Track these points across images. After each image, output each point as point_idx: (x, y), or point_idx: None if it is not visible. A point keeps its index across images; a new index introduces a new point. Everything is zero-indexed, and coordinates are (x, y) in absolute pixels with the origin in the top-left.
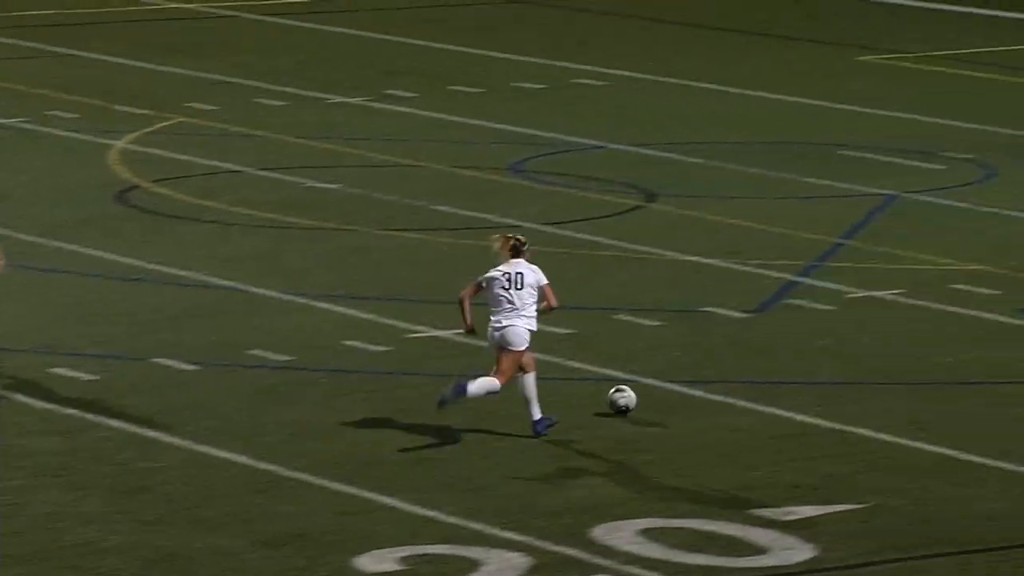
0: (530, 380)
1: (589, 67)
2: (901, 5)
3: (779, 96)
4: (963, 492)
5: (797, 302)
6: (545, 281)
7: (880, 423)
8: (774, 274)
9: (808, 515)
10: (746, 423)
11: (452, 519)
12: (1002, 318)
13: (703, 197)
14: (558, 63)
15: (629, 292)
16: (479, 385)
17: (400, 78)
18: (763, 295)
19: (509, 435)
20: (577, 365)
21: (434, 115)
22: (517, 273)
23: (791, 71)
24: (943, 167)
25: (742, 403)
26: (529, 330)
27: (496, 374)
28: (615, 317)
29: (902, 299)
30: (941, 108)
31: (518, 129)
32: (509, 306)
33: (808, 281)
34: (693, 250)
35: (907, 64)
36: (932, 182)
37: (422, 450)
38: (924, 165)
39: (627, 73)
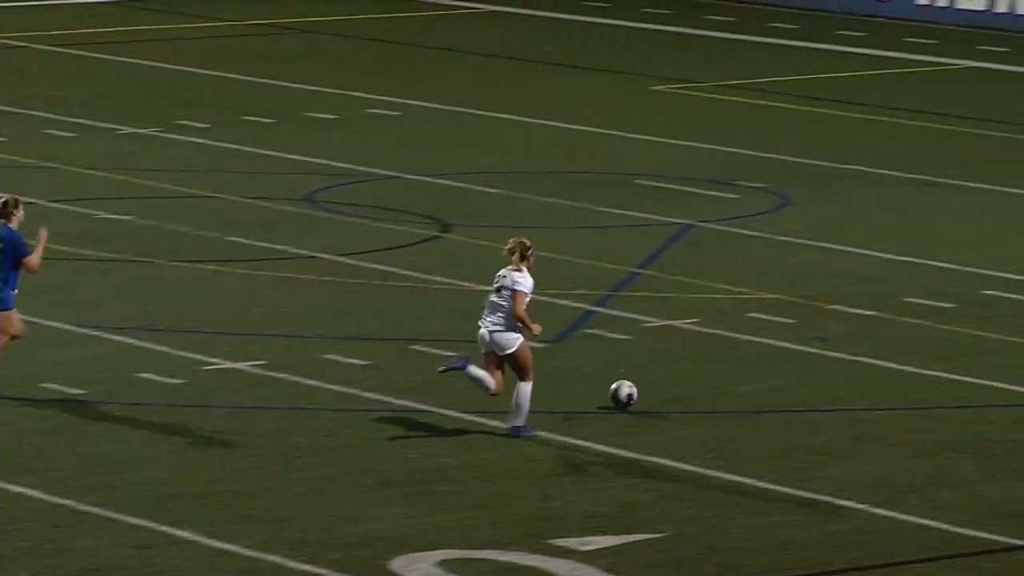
0: (498, 379)
1: (383, 97)
2: (695, 35)
3: (574, 126)
4: (761, 520)
5: (594, 332)
6: (519, 288)
7: (678, 452)
8: (571, 304)
9: (606, 545)
10: (544, 453)
11: (249, 552)
12: (798, 346)
13: (498, 227)
14: (352, 93)
15: (425, 323)
16: (480, 373)
17: (192, 108)
18: (560, 325)
19: (308, 466)
20: (374, 396)
21: (227, 145)
22: (503, 278)
23: (586, 101)
24: (738, 196)
25: (541, 433)
26: (513, 334)
27: (496, 378)
28: (411, 348)
29: (698, 328)
30: (735, 137)
31: (312, 159)
32: (495, 311)
33: (605, 311)
34: (489, 280)
35: (701, 94)
36: (727, 211)
37: (219, 482)
38: (719, 194)
39: (421, 103)
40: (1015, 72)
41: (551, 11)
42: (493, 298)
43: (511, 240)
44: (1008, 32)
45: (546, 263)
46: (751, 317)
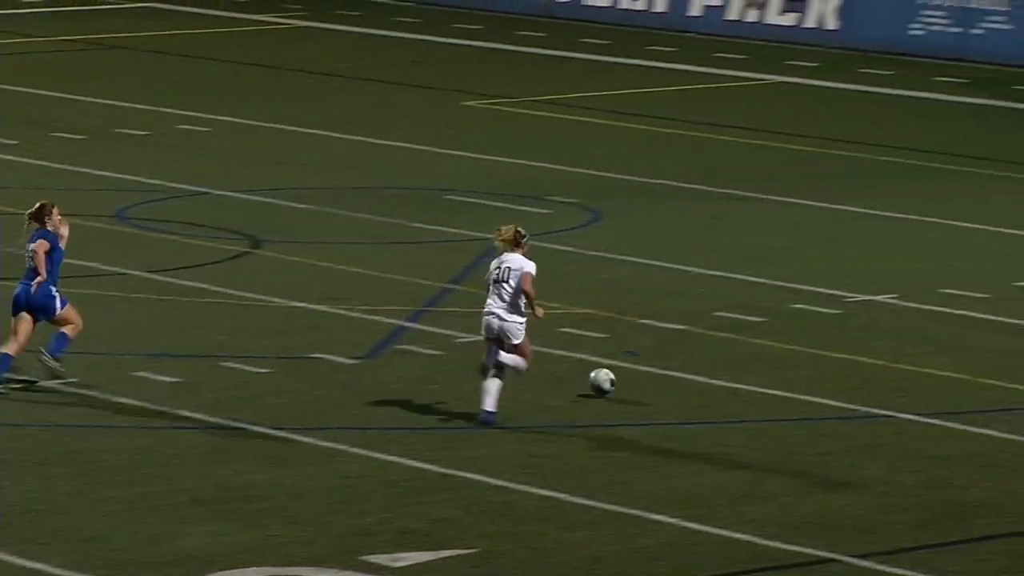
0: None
1: (193, 113)
2: (506, 50)
3: (386, 141)
4: (573, 535)
5: (407, 347)
6: (528, 270)
7: (490, 467)
8: (383, 320)
9: (419, 561)
10: (357, 469)
11: (60, 571)
12: (609, 361)
13: (309, 243)
14: (162, 109)
15: (236, 339)
16: (513, 359)
17: (0, 125)
18: (372, 341)
19: (119, 484)
20: (185, 413)
21: (36, 162)
22: (506, 267)
23: (397, 116)
24: (550, 211)
25: (353, 449)
26: (521, 321)
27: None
28: (223, 365)
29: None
30: (546, 153)
31: (122, 176)
32: (499, 299)
33: (417, 326)
34: (301, 296)
35: (512, 109)
36: (539, 226)
37: (29, 501)
38: (531, 209)
39: (232, 119)
40: (823, 87)
41: (363, 26)
42: (497, 286)
43: (505, 228)
44: (816, 47)
45: (358, 279)
46: (562, 332)
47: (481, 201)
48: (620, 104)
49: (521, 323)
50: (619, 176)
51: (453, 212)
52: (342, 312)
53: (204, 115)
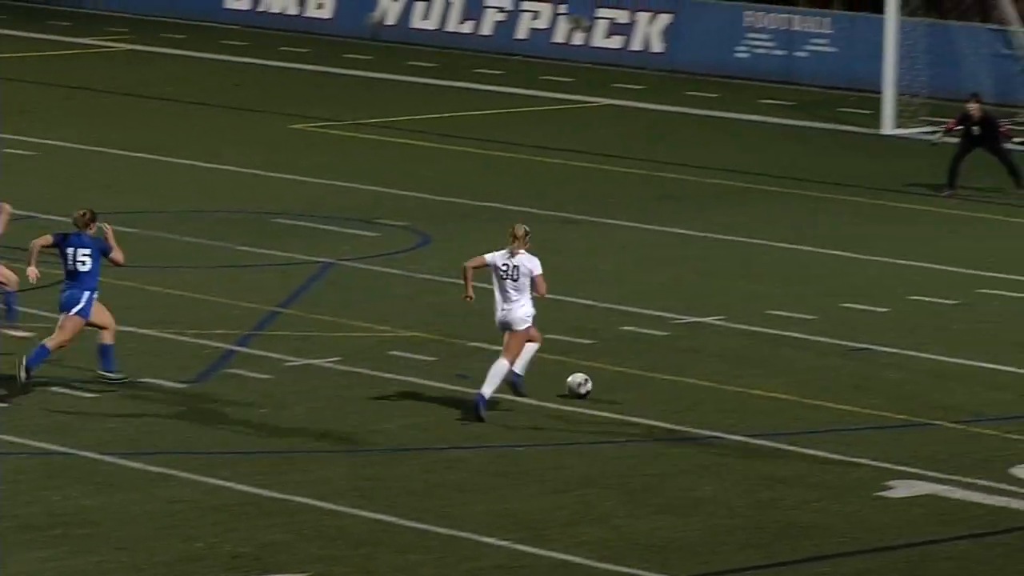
0: (531, 347)
1: (19, 137)
2: (334, 73)
3: (213, 165)
4: (406, 559)
5: (236, 371)
6: (538, 271)
7: (321, 491)
8: (212, 343)
9: None
10: (186, 494)
11: None
12: (440, 384)
13: (138, 267)
14: None
15: (65, 363)
16: (495, 377)
17: None
18: (201, 365)
19: None
20: (10, 439)
21: None
22: (515, 265)
23: (225, 140)
24: (378, 234)
25: (182, 474)
26: (528, 313)
27: (504, 354)
28: (51, 389)
29: (340, 367)
30: (375, 175)
31: None
32: (508, 294)
33: (246, 350)
34: (130, 320)
35: (340, 132)
36: (368, 249)
37: None
38: (360, 232)
39: (58, 142)
40: (650, 110)
41: (190, 50)
42: (504, 283)
43: (519, 226)
44: (643, 70)
45: (187, 303)
46: (392, 355)
47: (310, 225)
48: (448, 127)
49: (528, 316)
50: (448, 199)
51: (282, 236)
52: (171, 336)
53: (30, 139)
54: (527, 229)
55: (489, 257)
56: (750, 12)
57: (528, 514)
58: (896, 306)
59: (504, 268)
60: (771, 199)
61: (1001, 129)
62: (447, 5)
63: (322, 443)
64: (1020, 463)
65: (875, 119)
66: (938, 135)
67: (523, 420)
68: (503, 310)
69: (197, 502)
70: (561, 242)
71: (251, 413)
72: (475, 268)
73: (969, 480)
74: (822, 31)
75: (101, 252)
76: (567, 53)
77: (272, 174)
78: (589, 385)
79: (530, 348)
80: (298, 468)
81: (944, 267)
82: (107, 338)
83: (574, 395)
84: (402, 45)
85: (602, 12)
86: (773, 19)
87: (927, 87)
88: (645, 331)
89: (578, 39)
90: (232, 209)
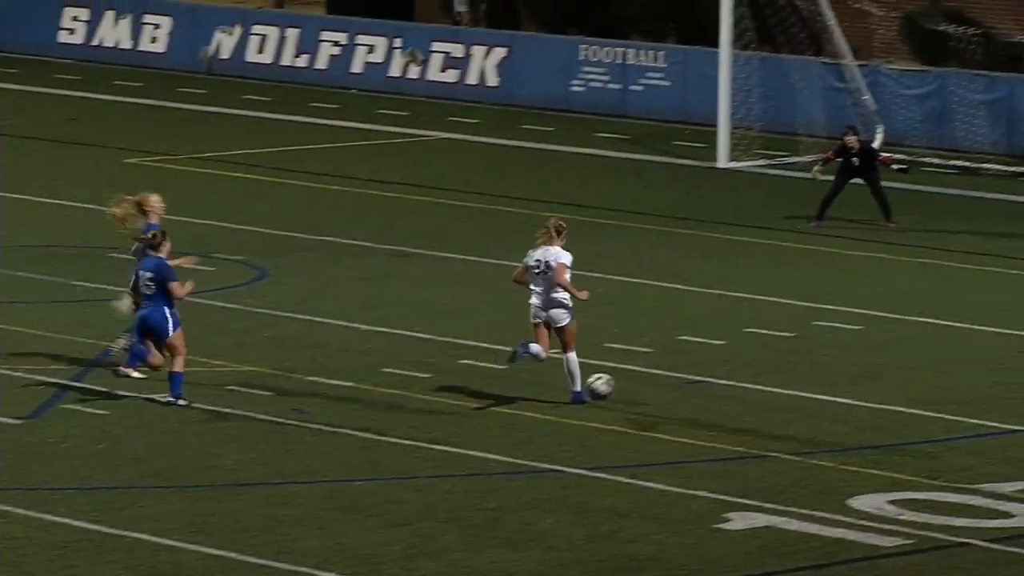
0: (571, 357)
1: None
2: (169, 107)
3: (49, 199)
4: None
5: (71, 407)
6: (561, 260)
7: (158, 526)
8: (48, 379)
9: None
10: (22, 531)
11: None
12: (277, 418)
13: None
14: None
15: None
16: (574, 372)
17: None
18: (37, 401)
19: None
20: None
21: None
22: (546, 261)
23: (61, 174)
24: (215, 268)
25: (18, 511)
26: (566, 307)
27: (565, 351)
28: None
29: (178, 401)
30: (212, 209)
31: None
32: (542, 289)
33: (82, 385)
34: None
35: (176, 166)
36: (204, 283)
37: None
38: (197, 268)
39: None
40: (486, 143)
41: (25, 84)
42: (536, 278)
43: (551, 220)
44: (478, 104)
45: (22, 338)
46: (229, 390)
47: None
48: (284, 161)
49: (566, 310)
50: (284, 233)
51: (117, 270)
52: (6, 372)
53: None
54: (560, 224)
55: (526, 259)
56: (585, 46)
57: (365, 548)
58: (732, 339)
59: (537, 264)
60: (608, 232)
61: (879, 158)
62: (282, 39)
63: (159, 478)
64: (857, 495)
65: (710, 152)
66: (816, 168)
67: (361, 455)
68: (542, 307)
69: (32, 539)
70: (398, 275)
71: (88, 448)
72: (519, 277)
73: (807, 512)
74: (656, 65)
75: (161, 277)
76: (403, 87)
77: (107, 208)
78: (609, 387)
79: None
80: (135, 503)
81: (780, 299)
82: (180, 366)
83: (596, 396)
84: (237, 79)
85: (437, 46)
86: (608, 53)
87: (761, 120)
88: (483, 364)
89: (413, 73)
90: (68, 244)
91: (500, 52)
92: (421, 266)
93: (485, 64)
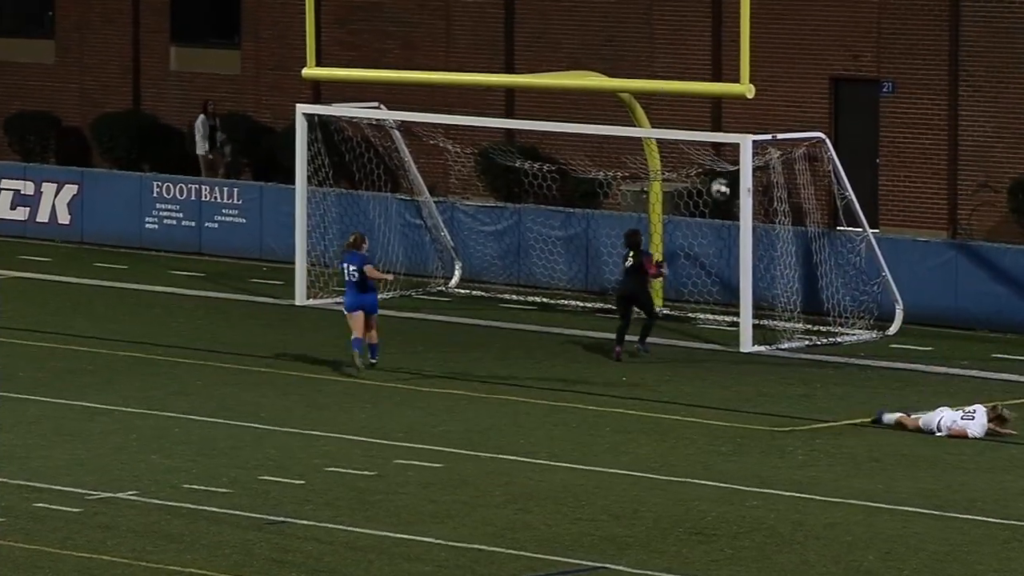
0: None
1: None
2: None
3: None
4: None
5: None
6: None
7: None
8: None
9: None
10: None
11: None
12: None
13: None
14: None
15: None
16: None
17: None
18: None
19: None
20: None
21: None
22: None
23: None
24: None
25: None
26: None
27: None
28: None
29: None
30: None
31: None
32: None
33: None
34: None
35: None
36: None
37: None
38: None
39: None
40: (60, 282)
41: None
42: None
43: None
44: (50, 242)
45: None
46: None
47: None
48: None
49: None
50: None
51: None
52: None
53: None
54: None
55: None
56: (159, 183)
57: None
58: (312, 478)
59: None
60: (186, 371)
61: (651, 271)
62: None
63: None
64: None
65: (288, 290)
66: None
67: None
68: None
69: None
70: None
71: None
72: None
73: None
74: (231, 202)
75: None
76: None
77: None
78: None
79: None
80: None
81: (360, 438)
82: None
83: (719, 194)
84: None
85: (5, 183)
86: (182, 190)
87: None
88: (57, 507)
89: None
90: None
91: (71, 189)
92: None
93: (56, 201)
